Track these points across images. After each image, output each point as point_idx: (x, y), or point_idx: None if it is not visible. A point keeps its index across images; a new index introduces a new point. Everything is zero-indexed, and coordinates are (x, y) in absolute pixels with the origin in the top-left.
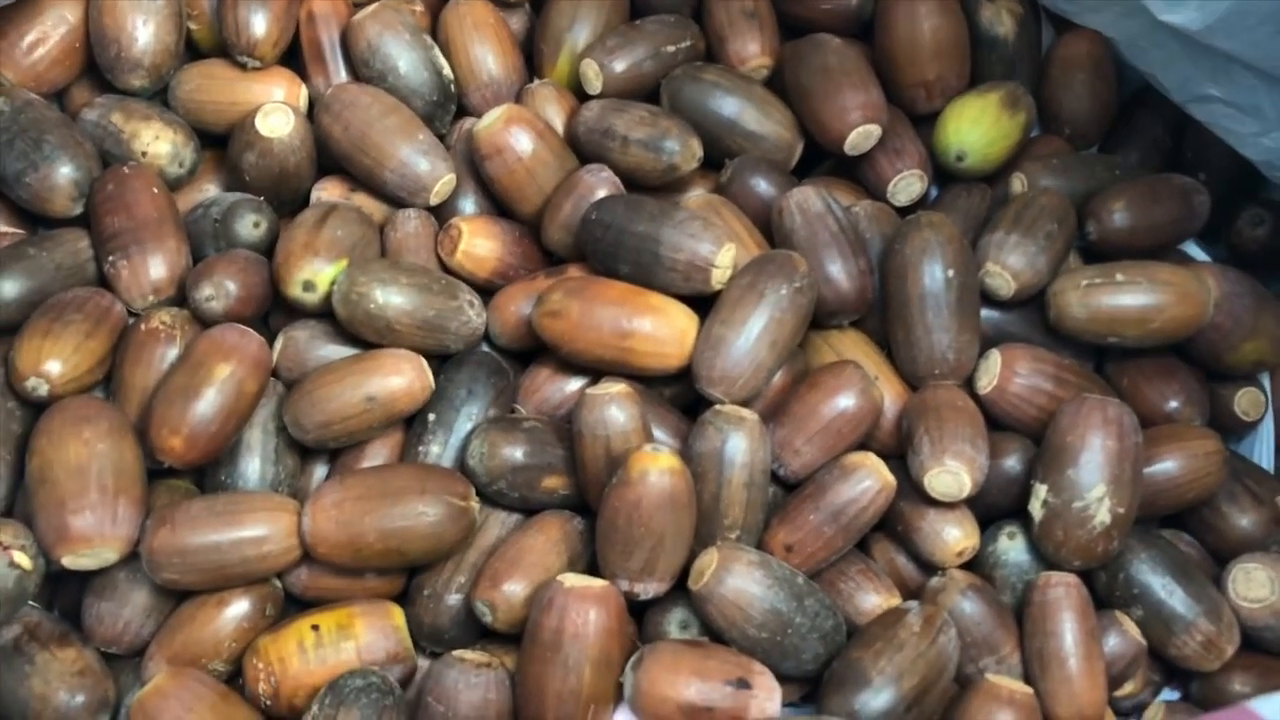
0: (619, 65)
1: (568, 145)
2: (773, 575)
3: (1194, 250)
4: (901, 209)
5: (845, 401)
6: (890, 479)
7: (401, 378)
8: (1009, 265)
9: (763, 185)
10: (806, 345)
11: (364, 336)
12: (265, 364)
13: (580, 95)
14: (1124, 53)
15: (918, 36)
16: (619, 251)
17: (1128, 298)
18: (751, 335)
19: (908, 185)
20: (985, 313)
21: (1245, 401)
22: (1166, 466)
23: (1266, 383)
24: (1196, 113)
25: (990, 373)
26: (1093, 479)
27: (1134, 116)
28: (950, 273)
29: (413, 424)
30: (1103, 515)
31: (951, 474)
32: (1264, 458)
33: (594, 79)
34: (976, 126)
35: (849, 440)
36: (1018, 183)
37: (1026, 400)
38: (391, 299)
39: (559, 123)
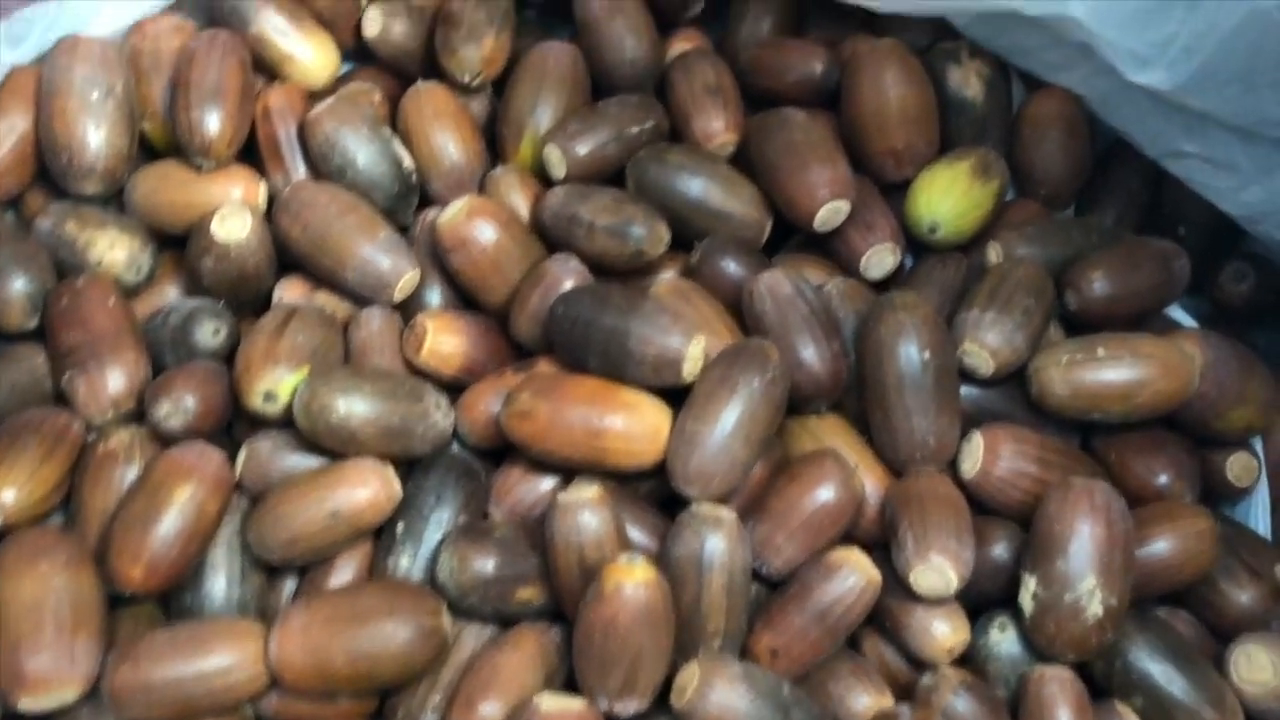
0: (582, 149)
1: (533, 232)
2: (757, 689)
3: (1178, 314)
4: (875, 283)
5: (825, 494)
6: (875, 575)
7: (366, 490)
8: (987, 344)
9: (732, 266)
10: (784, 433)
11: (328, 448)
12: (226, 482)
13: (545, 180)
14: (1096, 109)
15: (884, 105)
16: (588, 345)
17: (1110, 373)
18: (725, 430)
19: (880, 259)
20: (965, 390)
21: (1237, 467)
22: (1158, 548)
23: (1259, 446)
24: (1172, 168)
25: (973, 457)
26: (1083, 570)
27: (1109, 171)
28: (926, 355)
29: (382, 534)
30: (1095, 607)
31: (937, 571)
32: (1260, 523)
33: (557, 164)
34: (948, 197)
35: (831, 534)
36: (993, 253)
37: (1011, 484)
38: (354, 409)
39: (524, 209)
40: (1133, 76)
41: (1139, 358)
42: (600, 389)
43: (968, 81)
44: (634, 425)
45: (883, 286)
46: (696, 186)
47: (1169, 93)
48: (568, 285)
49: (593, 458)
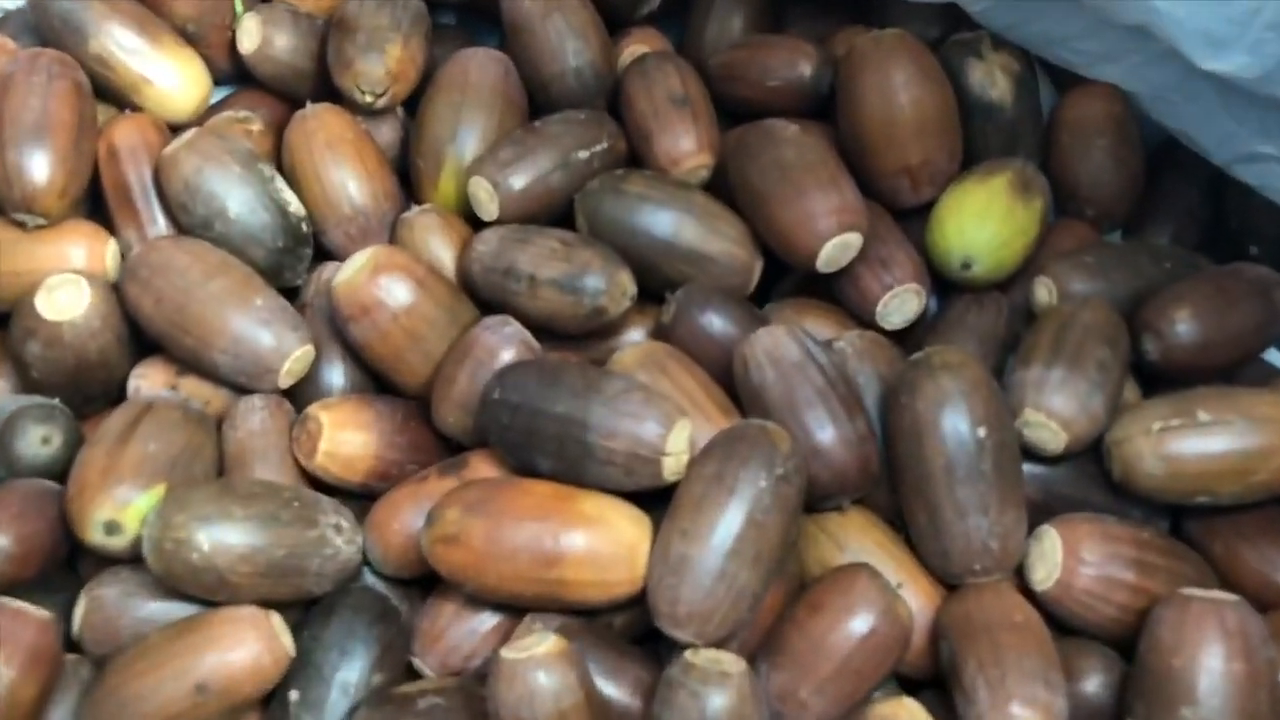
0: (518, 181)
1: (461, 291)
2: None
3: (1275, 356)
4: (895, 334)
5: (860, 627)
6: None
7: (243, 651)
8: (1056, 412)
9: (717, 323)
10: (800, 538)
11: (191, 594)
12: (49, 652)
13: (473, 222)
14: (1146, 108)
15: (895, 111)
16: (535, 441)
17: (1219, 444)
18: (724, 550)
19: (901, 304)
20: (1028, 470)
21: None
22: None
23: None
24: (1244, 174)
25: (1049, 562)
26: (1219, 718)
27: (1160, 182)
28: (982, 431)
29: (271, 705)
30: None
31: None
32: None
33: (487, 201)
34: (984, 223)
35: (871, 680)
36: (1044, 291)
37: (1101, 598)
38: (222, 542)
39: (447, 261)
40: (1204, 63)
41: (1254, 422)
42: (553, 498)
43: (993, 79)
44: (601, 546)
45: (903, 338)
46: (665, 223)
47: (1252, 82)
48: (505, 359)
49: (547, 592)
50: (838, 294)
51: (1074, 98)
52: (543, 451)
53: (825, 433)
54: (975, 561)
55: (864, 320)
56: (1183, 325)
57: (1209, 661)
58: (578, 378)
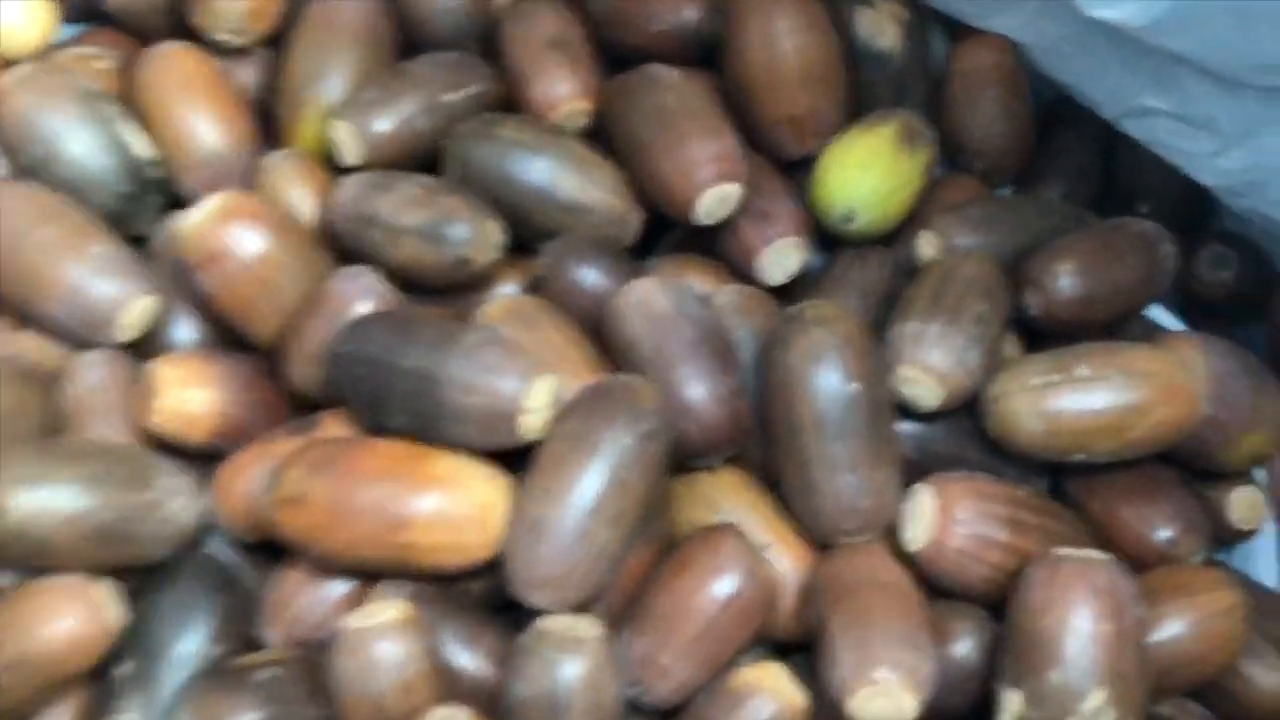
0: (383, 125)
1: (320, 240)
2: None
3: (1157, 313)
4: (776, 290)
5: (725, 589)
6: (799, 700)
7: (65, 622)
8: (932, 366)
9: (591, 276)
10: (667, 498)
11: (9, 563)
12: None
13: (337, 168)
14: (1039, 61)
15: (779, 59)
16: (386, 397)
17: (1098, 400)
18: (584, 510)
19: (782, 258)
20: (904, 428)
21: (1242, 506)
22: (1175, 634)
23: (1261, 477)
24: (1134, 130)
25: (922, 522)
26: (1085, 681)
27: (1053, 137)
28: (855, 386)
29: (100, 680)
30: None
31: (885, 694)
32: (1268, 572)
33: (350, 145)
34: (867, 174)
35: (735, 644)
36: (928, 245)
37: (975, 557)
38: (43, 505)
39: (308, 209)
40: (1094, 11)
41: (1133, 376)
42: (404, 458)
43: (881, 28)
44: (453, 508)
45: (786, 293)
46: (539, 170)
47: (1141, 30)
48: (361, 311)
49: (397, 557)
50: (719, 248)
51: (965, 48)
52: (395, 408)
53: (696, 389)
54: (846, 521)
55: (745, 275)
56: (1065, 279)
57: (1077, 623)
58: (433, 330)
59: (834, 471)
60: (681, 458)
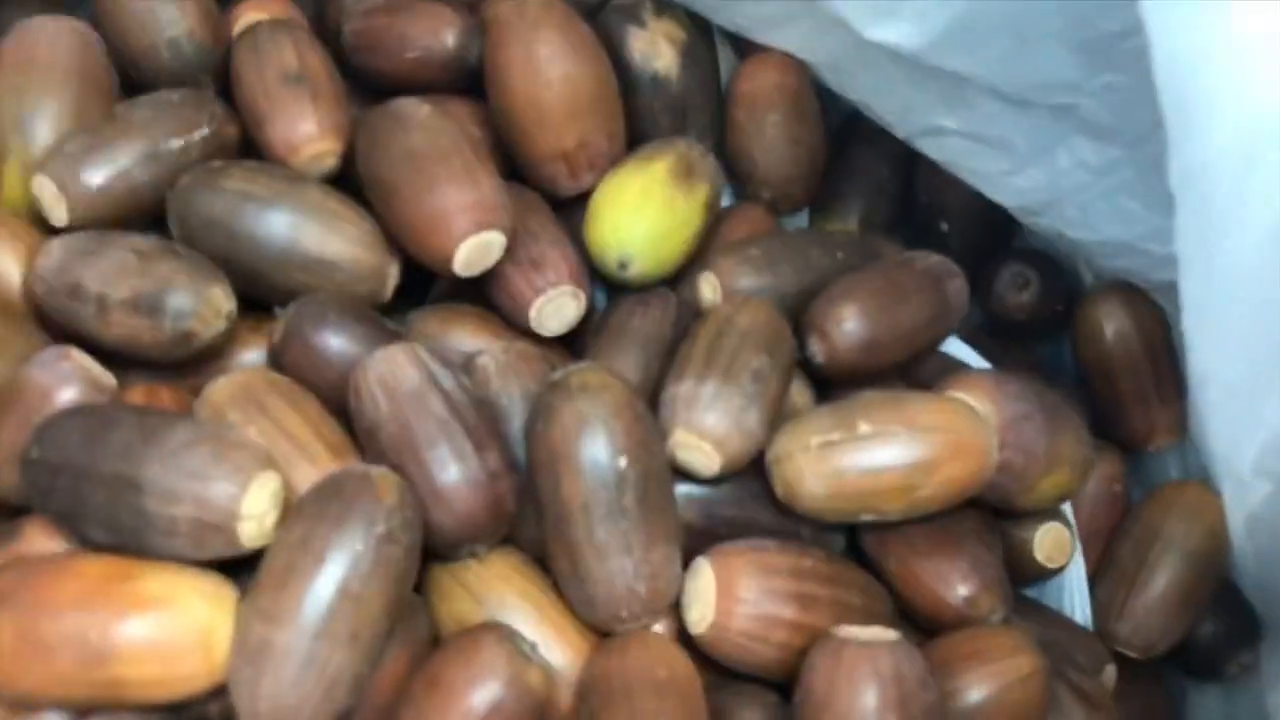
0: (92, 179)
1: (24, 315)
2: None
3: (955, 345)
4: (559, 339)
5: (483, 701)
6: None
7: None
8: (708, 431)
9: (335, 343)
10: (430, 588)
11: None
12: None
13: (47, 226)
14: (826, 78)
15: (543, 91)
16: (84, 509)
17: (882, 458)
18: (313, 633)
19: (558, 308)
20: (686, 490)
21: (1048, 545)
22: (973, 705)
23: (1069, 511)
24: (929, 149)
25: (704, 602)
26: None
27: (849, 156)
28: (623, 462)
29: None
30: None
31: None
32: (1078, 609)
33: (54, 204)
34: (640, 216)
35: None
36: (708, 288)
37: (760, 639)
38: None
39: (15, 278)
40: (869, 33)
41: (918, 432)
42: (107, 578)
43: (656, 49)
44: (166, 635)
45: (566, 342)
46: (274, 224)
47: (917, 52)
48: (63, 400)
49: (104, 695)
50: (490, 298)
51: (747, 70)
52: (95, 521)
53: (447, 473)
54: (621, 608)
55: (520, 327)
56: (849, 325)
57: (860, 707)
58: (133, 429)
59: (605, 556)
60: (441, 549)
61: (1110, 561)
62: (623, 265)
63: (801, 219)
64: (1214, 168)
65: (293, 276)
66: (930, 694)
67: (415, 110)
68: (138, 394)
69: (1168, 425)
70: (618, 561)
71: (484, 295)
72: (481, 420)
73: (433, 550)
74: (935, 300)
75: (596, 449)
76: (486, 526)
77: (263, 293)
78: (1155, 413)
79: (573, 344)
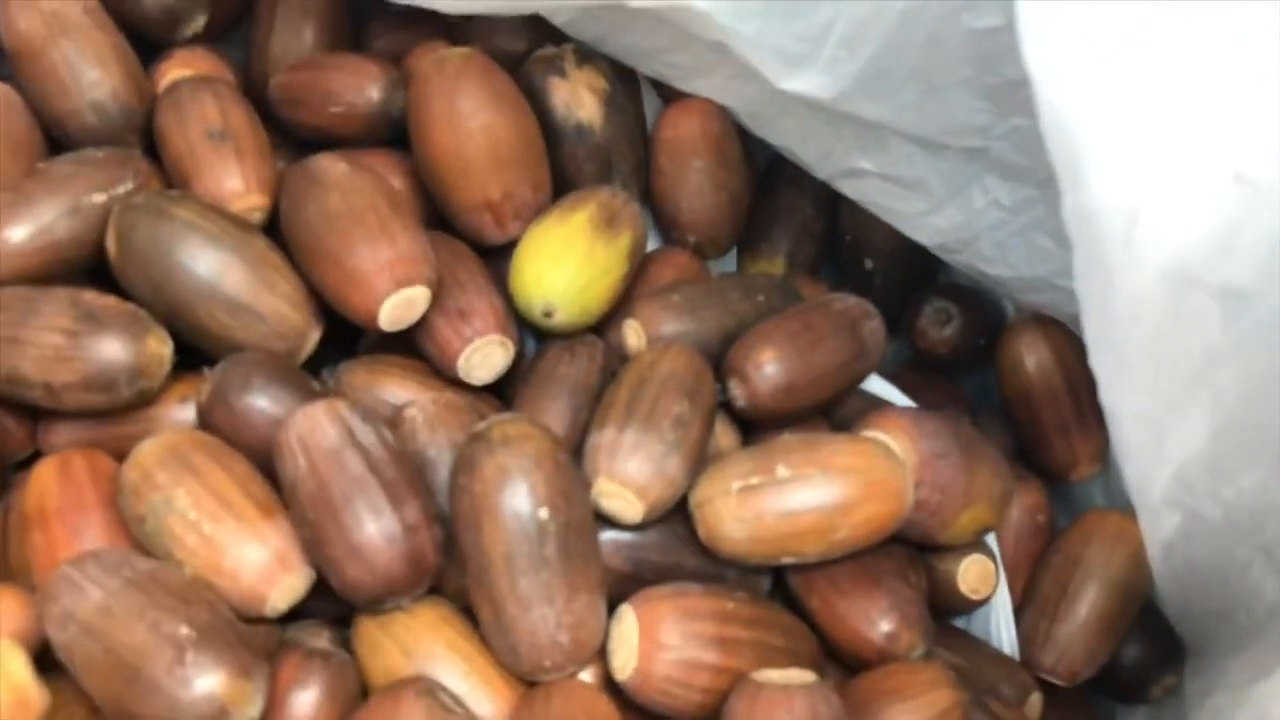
0: (15, 235)
1: None
2: None
3: (876, 383)
4: (488, 387)
5: None
6: None
7: None
8: (630, 479)
9: (261, 404)
10: (358, 641)
11: None
12: None
13: None
14: (747, 123)
15: (466, 142)
16: None
17: (799, 500)
18: None
19: (486, 358)
20: (612, 536)
21: (972, 577)
22: None
23: (993, 542)
24: (849, 190)
25: (627, 648)
26: None
27: (774, 196)
28: (544, 513)
29: None
30: None
31: None
32: (1005, 638)
33: None
34: (562, 266)
35: None
36: (633, 334)
37: (683, 683)
38: None
39: None
40: (782, 84)
41: (834, 474)
42: None
43: (578, 99)
44: None
45: (496, 390)
46: (211, 261)
47: (830, 101)
48: None
49: None
50: (419, 348)
51: (669, 116)
52: None
53: (364, 530)
54: (545, 658)
55: (449, 376)
56: (768, 368)
57: None
58: None
59: (528, 607)
60: (364, 604)
61: (1033, 591)
62: (547, 314)
63: (730, 260)
64: (1101, 215)
65: (216, 317)
66: None
67: (331, 169)
68: (78, 459)
69: (1090, 455)
70: (540, 611)
71: (413, 346)
72: (402, 474)
73: (357, 606)
74: (852, 342)
75: (518, 501)
76: (406, 580)
77: (183, 328)
78: (1077, 443)
79: (503, 391)
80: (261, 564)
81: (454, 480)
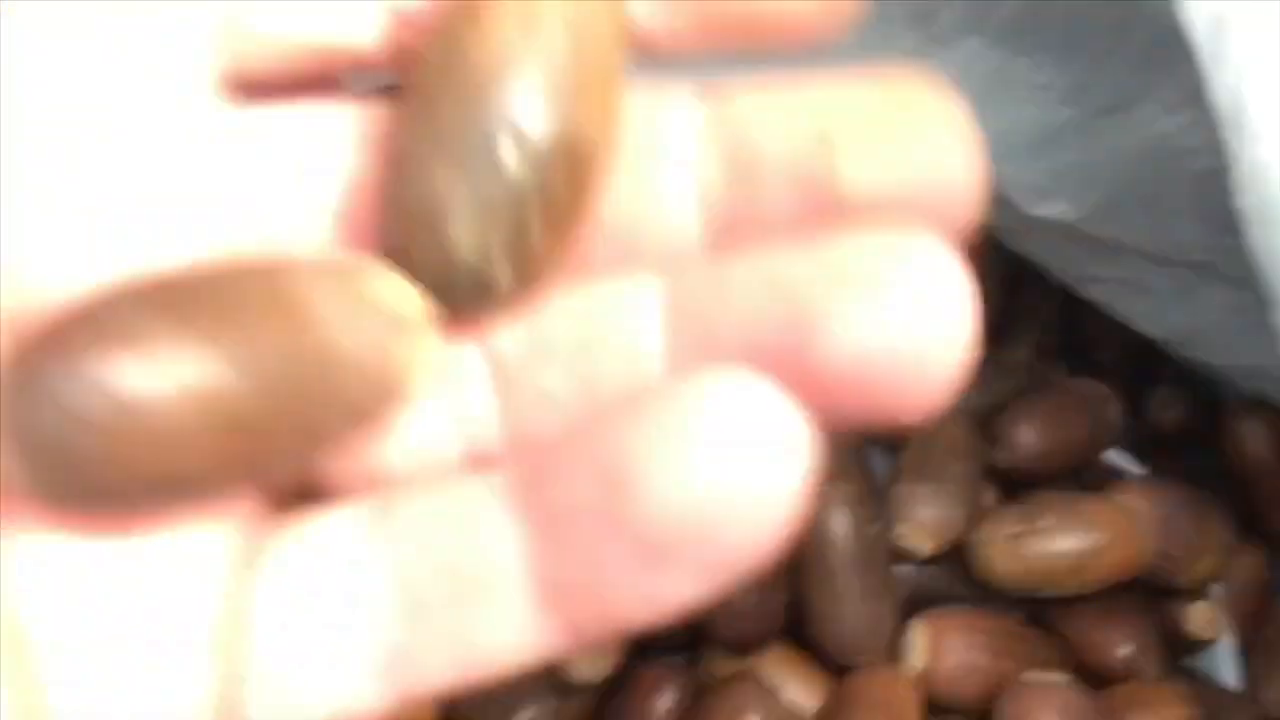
0: None
1: None
2: None
3: (1118, 457)
4: None
5: None
6: None
7: None
8: (924, 521)
9: None
10: None
11: None
12: None
13: None
14: (1002, 239)
15: None
16: None
17: (1058, 546)
18: None
19: None
20: (903, 569)
21: (1197, 620)
22: None
23: (1219, 591)
24: (1089, 293)
25: (917, 650)
26: None
27: (1020, 297)
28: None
29: None
30: None
31: None
32: (1228, 674)
33: None
34: None
35: None
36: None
37: (962, 682)
38: None
39: None
40: (1034, 210)
41: (1086, 526)
42: None
43: None
44: None
45: None
46: None
47: (1073, 224)
48: None
49: None
50: None
51: None
52: None
53: None
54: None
55: None
56: (1026, 437)
57: None
58: None
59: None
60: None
61: (1259, 638)
62: None
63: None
64: None
65: None
66: None
67: None
68: None
69: None
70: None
71: None
72: None
73: None
74: (1095, 419)
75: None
76: None
77: None
78: None
79: None
80: None
81: None
